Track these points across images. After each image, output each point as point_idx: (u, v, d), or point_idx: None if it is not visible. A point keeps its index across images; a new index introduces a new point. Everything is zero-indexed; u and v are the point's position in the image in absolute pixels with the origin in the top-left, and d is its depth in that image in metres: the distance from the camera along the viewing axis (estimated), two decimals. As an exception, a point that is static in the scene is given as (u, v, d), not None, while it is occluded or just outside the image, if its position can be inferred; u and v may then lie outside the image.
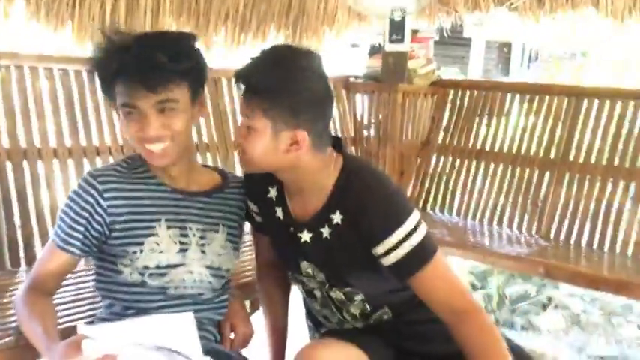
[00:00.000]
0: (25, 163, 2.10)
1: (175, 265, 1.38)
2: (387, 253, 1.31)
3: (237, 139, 1.38)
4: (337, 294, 1.46)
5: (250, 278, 2.08)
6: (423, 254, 1.32)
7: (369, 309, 1.47)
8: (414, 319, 1.46)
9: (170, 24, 2.98)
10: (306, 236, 1.40)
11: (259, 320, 1.61)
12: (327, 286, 1.46)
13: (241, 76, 1.29)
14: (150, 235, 1.37)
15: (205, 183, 1.50)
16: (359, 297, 1.45)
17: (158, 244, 1.37)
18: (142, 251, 1.35)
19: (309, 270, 1.45)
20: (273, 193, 1.45)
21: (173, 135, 1.33)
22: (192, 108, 1.37)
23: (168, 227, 1.39)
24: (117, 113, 1.39)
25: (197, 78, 1.37)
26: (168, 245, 1.38)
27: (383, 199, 1.33)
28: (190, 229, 1.41)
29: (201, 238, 1.43)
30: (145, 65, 1.26)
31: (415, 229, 1.31)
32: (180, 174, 1.44)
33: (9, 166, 2.05)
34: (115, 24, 2.56)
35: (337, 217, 1.36)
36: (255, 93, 1.26)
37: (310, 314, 1.62)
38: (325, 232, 1.38)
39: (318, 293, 1.49)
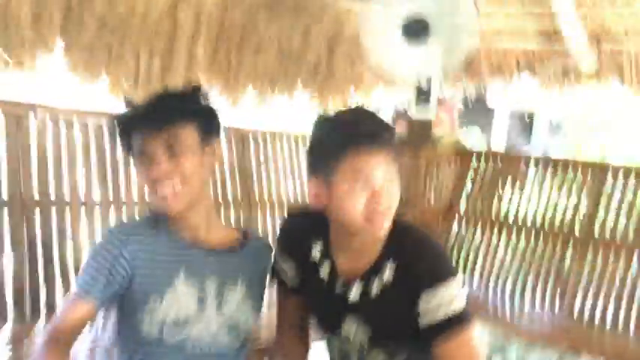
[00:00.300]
0: (53, 215, 2.13)
1: (193, 321, 1.37)
2: (426, 312, 1.29)
3: (387, 205, 1.29)
4: (376, 356, 1.42)
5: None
6: (460, 320, 1.29)
7: None
8: None
9: (202, 80, 3.06)
10: (355, 293, 1.37)
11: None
12: (367, 347, 1.41)
13: (380, 136, 1.28)
14: (169, 288, 1.37)
15: (225, 239, 1.50)
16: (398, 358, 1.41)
17: (177, 297, 1.37)
18: (162, 301, 1.35)
19: (353, 329, 1.40)
20: (317, 249, 1.41)
21: (183, 177, 1.35)
22: (202, 152, 1.39)
23: (187, 282, 1.39)
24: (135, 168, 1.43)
25: (205, 121, 1.41)
26: (187, 299, 1.38)
27: (436, 254, 1.34)
28: (208, 285, 1.41)
29: (219, 294, 1.42)
30: (152, 108, 1.36)
31: (459, 292, 1.30)
32: (199, 225, 1.45)
33: (37, 216, 2.08)
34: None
35: (388, 270, 1.34)
36: (388, 149, 1.29)
37: None
38: (375, 288, 1.35)
39: (354, 357, 1.45)
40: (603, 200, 2.86)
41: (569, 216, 2.92)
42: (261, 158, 2.90)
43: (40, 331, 1.89)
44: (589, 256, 2.79)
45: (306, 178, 1.43)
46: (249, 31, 3.22)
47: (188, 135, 1.36)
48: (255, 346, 1.88)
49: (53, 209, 2.14)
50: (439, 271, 1.30)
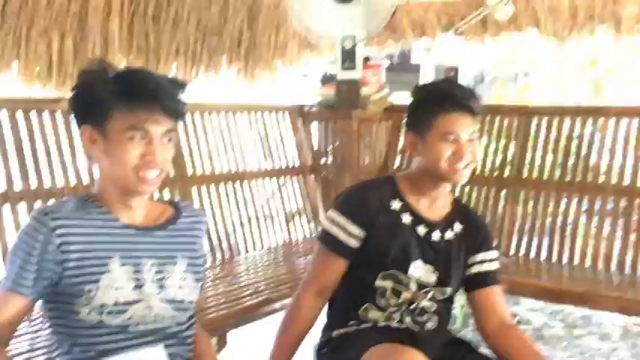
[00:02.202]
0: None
1: (134, 302, 1.34)
2: (482, 262, 1.67)
3: (469, 158, 1.58)
4: (428, 296, 1.62)
5: (215, 315, 2.04)
6: (499, 274, 1.70)
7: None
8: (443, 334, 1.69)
9: (120, 61, 2.95)
10: (436, 236, 1.64)
11: (227, 358, 1.57)
12: (430, 286, 1.62)
13: (471, 103, 1.59)
14: (104, 272, 1.32)
15: (159, 216, 1.47)
16: (442, 307, 1.65)
17: (114, 280, 1.33)
18: (97, 289, 1.31)
19: (420, 271, 1.62)
20: (396, 204, 1.63)
21: (168, 164, 1.37)
22: None
23: (122, 264, 1.35)
24: (89, 141, 1.34)
25: None
26: (123, 282, 1.34)
27: (488, 225, 1.84)
28: (145, 264, 1.38)
29: (159, 272, 1.39)
30: (167, 93, 1.32)
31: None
32: (138, 208, 1.41)
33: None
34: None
35: (457, 227, 1.67)
36: (477, 115, 1.60)
37: (346, 312, 1.63)
38: (449, 234, 1.66)
39: (405, 294, 1.60)
40: (529, 142, 2.96)
41: (499, 159, 3.01)
42: (190, 132, 2.83)
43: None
44: (521, 197, 2.89)
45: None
46: (164, 5, 3.12)
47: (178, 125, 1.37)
48: (203, 318, 1.86)
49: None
50: (492, 238, 1.75)
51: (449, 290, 1.66)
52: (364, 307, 1.61)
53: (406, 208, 1.64)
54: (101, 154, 1.35)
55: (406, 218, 1.63)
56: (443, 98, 1.58)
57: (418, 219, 1.64)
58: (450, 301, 1.70)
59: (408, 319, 1.62)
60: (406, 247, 1.60)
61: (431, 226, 1.64)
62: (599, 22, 3.36)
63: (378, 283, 1.60)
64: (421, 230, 1.63)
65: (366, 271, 1.61)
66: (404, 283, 1.60)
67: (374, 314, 1.61)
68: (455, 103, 1.57)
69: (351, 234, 1.60)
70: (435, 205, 1.67)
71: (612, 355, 3.24)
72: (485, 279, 1.67)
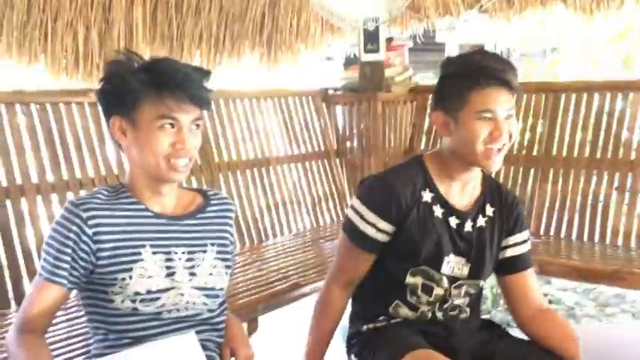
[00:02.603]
0: (8, 202, 2.07)
1: (166, 289, 1.36)
2: (515, 245, 1.59)
3: (506, 138, 1.45)
4: (462, 290, 1.56)
5: (245, 300, 2.07)
6: (531, 256, 1.64)
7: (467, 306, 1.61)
8: (475, 320, 1.65)
9: (144, 50, 2.97)
10: (468, 226, 1.55)
11: (259, 342, 1.59)
12: (462, 279, 1.55)
13: (509, 76, 1.43)
14: (137, 261, 1.35)
15: (188, 204, 1.49)
16: (474, 290, 1.59)
17: (146, 269, 1.35)
18: (131, 277, 1.33)
19: (453, 265, 1.54)
20: (428, 196, 1.53)
21: (196, 151, 1.39)
22: None
23: (154, 253, 1.37)
24: (119, 131, 1.36)
25: None
26: (155, 271, 1.36)
27: (521, 204, 1.67)
28: (176, 252, 1.40)
29: (189, 260, 1.41)
30: (194, 81, 1.34)
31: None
32: (168, 197, 1.43)
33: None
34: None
35: (489, 210, 1.58)
36: (514, 89, 1.44)
37: (375, 307, 1.60)
38: (481, 221, 1.56)
39: (438, 291, 1.54)
40: (558, 119, 2.91)
41: (527, 138, 2.96)
42: (216, 119, 2.84)
43: (12, 319, 1.85)
44: (550, 174, 2.84)
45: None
46: (187, -7, 3.13)
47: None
48: (233, 303, 1.89)
49: (6, 196, 2.08)
50: (525, 217, 1.65)
51: (481, 283, 1.60)
52: (394, 303, 1.56)
53: (438, 198, 1.53)
54: (131, 143, 1.37)
55: (438, 211, 1.53)
56: (477, 72, 1.42)
57: (450, 210, 1.54)
58: (481, 290, 1.65)
59: (440, 315, 1.56)
60: (439, 242, 1.52)
61: (463, 217, 1.55)
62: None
63: (409, 279, 1.53)
64: (453, 222, 1.54)
65: (395, 266, 1.54)
66: (435, 279, 1.53)
67: (404, 312, 1.56)
68: (491, 76, 1.41)
69: (380, 230, 1.52)
70: (466, 189, 1.56)
71: (646, 333, 3.20)
72: (517, 263, 1.59)
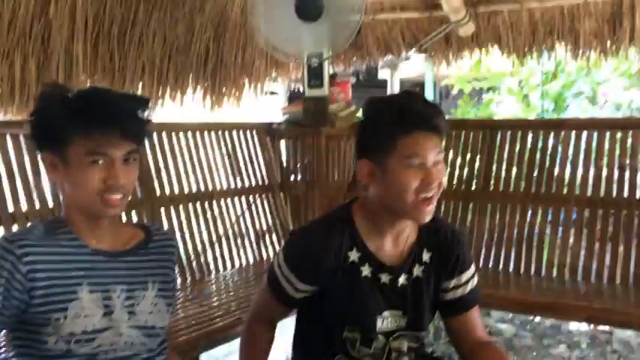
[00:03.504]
0: None
1: (103, 329, 1.32)
2: (456, 288, 1.52)
3: (435, 187, 1.37)
4: (401, 344, 1.51)
5: (186, 337, 2.02)
6: (479, 292, 1.57)
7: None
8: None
9: (85, 82, 2.91)
10: (402, 279, 1.48)
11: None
12: (395, 335, 1.50)
13: (438, 120, 1.37)
14: (72, 300, 1.30)
15: (129, 240, 1.45)
16: (416, 344, 1.54)
17: (83, 308, 1.30)
18: (65, 317, 1.28)
19: (389, 320, 1.49)
20: (355, 255, 1.45)
21: (131, 186, 1.35)
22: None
23: (91, 291, 1.32)
24: (50, 167, 1.32)
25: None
26: (92, 310, 1.32)
27: (465, 242, 1.57)
28: (115, 290, 1.36)
29: (129, 298, 1.37)
30: (126, 115, 1.30)
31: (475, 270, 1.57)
32: (107, 232, 1.39)
33: None
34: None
35: (426, 256, 1.50)
36: (442, 134, 1.38)
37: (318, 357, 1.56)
38: (417, 270, 1.50)
39: (377, 344, 1.50)
40: (495, 155, 3.01)
41: (466, 173, 3.05)
42: (158, 152, 2.80)
43: None
44: (488, 210, 2.93)
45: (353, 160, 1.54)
46: (129, 25, 3.10)
47: (139, 150, 1.35)
48: (173, 340, 1.84)
49: None
50: (469, 257, 1.57)
51: (423, 334, 1.55)
52: (337, 357, 1.51)
53: (366, 258, 1.45)
54: (63, 179, 1.33)
55: (366, 270, 1.45)
56: (405, 116, 1.34)
57: (380, 267, 1.46)
58: (423, 343, 1.59)
59: None
60: (368, 304, 1.46)
61: (397, 272, 1.47)
62: (558, 38, 3.46)
63: (346, 334, 1.48)
64: (385, 278, 1.47)
65: (331, 323, 1.49)
66: (372, 336, 1.49)
67: None
68: (420, 121, 1.34)
69: (299, 290, 1.47)
70: (400, 239, 1.48)
71: (581, 363, 3.30)
72: (460, 306, 1.54)
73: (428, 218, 1.40)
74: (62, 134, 1.29)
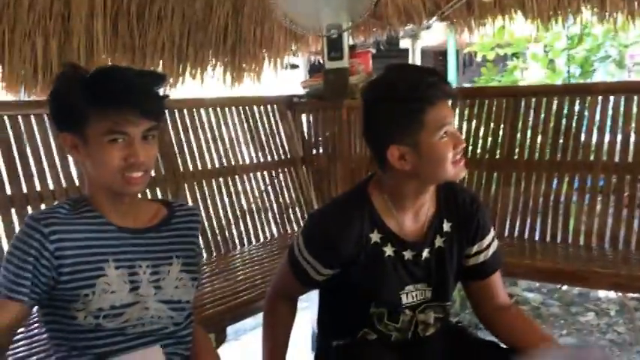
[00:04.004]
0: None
1: (130, 304, 1.35)
2: (478, 253, 1.54)
3: (462, 146, 1.41)
4: (428, 316, 1.53)
5: (212, 311, 2.05)
6: (500, 256, 1.59)
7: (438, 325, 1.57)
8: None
9: (105, 61, 2.93)
10: (425, 253, 1.50)
11: (227, 353, 1.58)
12: (421, 308, 1.52)
13: (449, 86, 1.39)
14: (99, 277, 1.33)
15: (153, 217, 1.47)
16: (442, 314, 1.55)
17: (109, 284, 1.33)
18: (94, 293, 1.31)
19: (414, 294, 1.50)
20: (376, 237, 1.47)
21: (151, 163, 1.36)
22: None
23: (117, 267, 1.35)
24: (71, 147, 1.34)
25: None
26: (119, 285, 1.34)
27: (483, 207, 1.57)
28: (140, 266, 1.38)
29: (154, 274, 1.39)
30: (143, 93, 1.30)
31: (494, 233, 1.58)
32: (130, 209, 1.41)
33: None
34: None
35: (446, 226, 1.51)
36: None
37: (344, 331, 1.57)
38: (439, 242, 1.51)
39: (404, 318, 1.51)
40: (519, 123, 2.96)
41: (489, 142, 3.01)
42: (180, 129, 2.81)
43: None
44: (513, 179, 2.89)
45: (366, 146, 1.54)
46: (148, 3, 3.09)
47: (158, 126, 1.35)
48: (199, 315, 1.87)
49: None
50: (489, 221, 1.58)
51: (448, 305, 1.57)
52: (363, 331, 1.52)
53: (387, 237, 1.47)
54: (85, 159, 1.34)
55: (389, 250, 1.47)
56: (427, 90, 1.35)
57: (402, 245, 1.48)
58: (449, 313, 1.62)
59: (410, 335, 1.53)
60: (393, 282, 1.48)
61: (419, 247, 1.49)
62: (583, 1, 3.36)
63: (373, 310, 1.50)
64: (408, 255, 1.49)
65: (356, 300, 1.50)
66: (399, 310, 1.50)
67: (374, 337, 1.53)
68: (438, 90, 1.36)
69: (321, 273, 1.49)
70: (420, 213, 1.50)
71: (609, 331, 3.27)
72: (482, 270, 1.55)
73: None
74: (80, 115, 1.30)
